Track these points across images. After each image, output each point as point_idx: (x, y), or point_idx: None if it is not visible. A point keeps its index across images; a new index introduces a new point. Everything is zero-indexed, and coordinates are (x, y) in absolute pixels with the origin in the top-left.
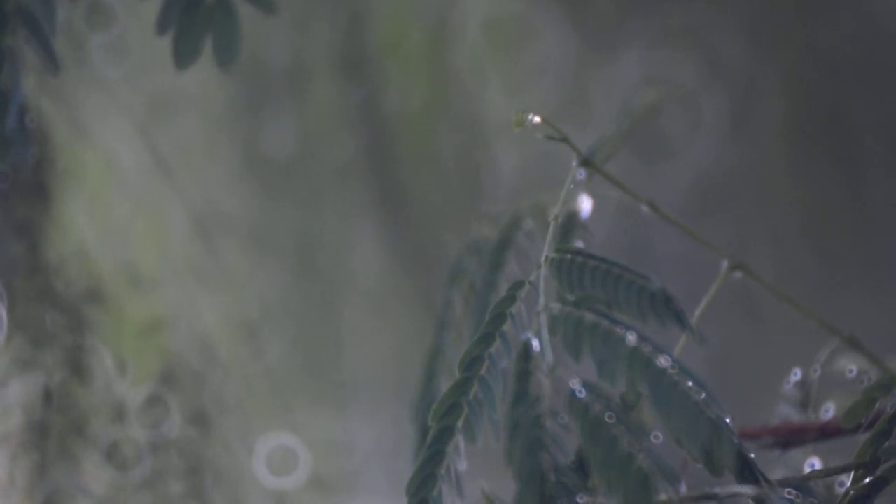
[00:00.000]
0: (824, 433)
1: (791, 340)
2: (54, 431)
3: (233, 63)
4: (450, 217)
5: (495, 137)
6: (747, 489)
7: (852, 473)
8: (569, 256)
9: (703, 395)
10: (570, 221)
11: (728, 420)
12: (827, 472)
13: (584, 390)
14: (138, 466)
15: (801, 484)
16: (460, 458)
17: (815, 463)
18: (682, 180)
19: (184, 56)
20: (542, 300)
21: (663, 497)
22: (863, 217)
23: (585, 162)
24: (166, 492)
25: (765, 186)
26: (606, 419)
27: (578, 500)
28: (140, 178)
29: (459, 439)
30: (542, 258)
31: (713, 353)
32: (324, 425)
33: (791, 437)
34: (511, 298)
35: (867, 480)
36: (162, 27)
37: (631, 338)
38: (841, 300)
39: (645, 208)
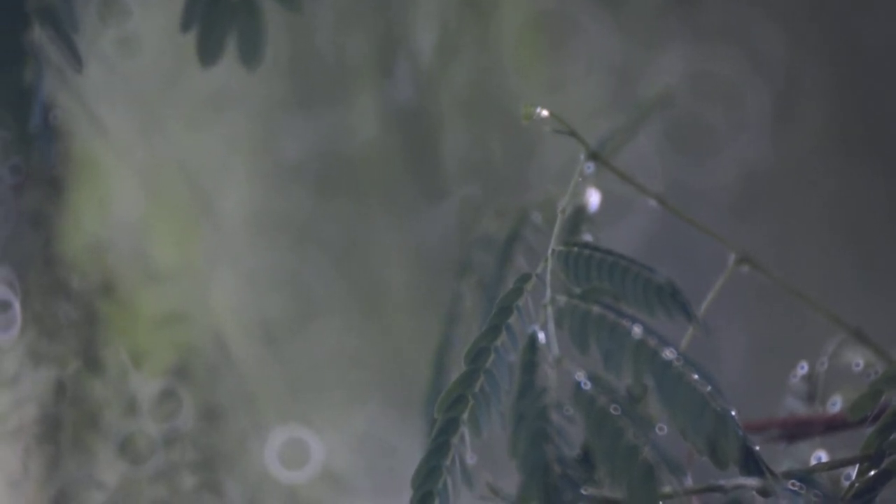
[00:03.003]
0: (830, 426)
1: (800, 333)
2: (68, 424)
3: (258, 63)
4: (494, 214)
5: (538, 135)
6: (752, 481)
7: (857, 466)
8: (575, 249)
9: (709, 388)
10: (578, 215)
11: (733, 412)
12: (832, 465)
13: (589, 382)
14: (152, 459)
15: (806, 476)
16: (468, 450)
17: (821, 456)
18: (723, 177)
19: (208, 54)
20: (548, 293)
21: (667, 489)
22: None
23: (593, 155)
24: (179, 485)
25: (805, 183)
26: (611, 411)
27: (583, 491)
28: (155, 172)
29: (465, 431)
30: (549, 251)
31: (721, 345)
32: (340, 421)
33: (797, 430)
34: (518, 291)
35: (872, 473)
36: (186, 24)
37: (637, 330)
38: (881, 297)
39: (652, 202)
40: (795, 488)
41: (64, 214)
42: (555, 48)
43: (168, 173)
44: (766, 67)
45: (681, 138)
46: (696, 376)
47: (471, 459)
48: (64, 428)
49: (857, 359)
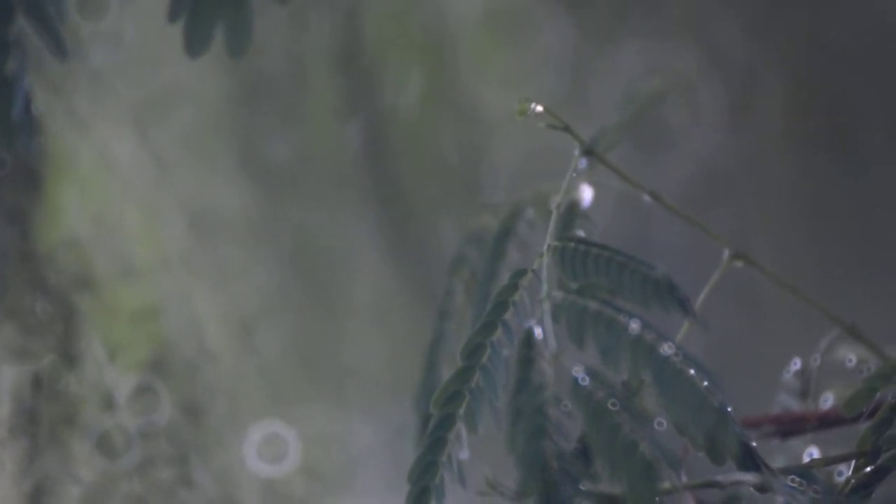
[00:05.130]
0: (824, 422)
1: (791, 329)
2: (44, 419)
3: (245, 52)
4: (449, 211)
5: (495, 131)
6: (750, 477)
7: (853, 462)
8: (572, 244)
9: (707, 383)
10: (572, 210)
11: (729, 408)
12: (829, 461)
13: (587, 378)
14: (128, 454)
15: (805, 472)
16: (462, 446)
17: (813, 452)
18: (682, 171)
19: (195, 44)
20: (544, 288)
21: (666, 484)
22: (863, 207)
23: (588, 151)
24: (156, 479)
25: (765, 177)
26: (609, 406)
27: (581, 487)
28: (132, 167)
29: (461, 427)
30: (545, 246)
31: (713, 341)
32: (316, 416)
33: (791, 426)
34: (513, 287)
35: (868, 469)
36: (174, 15)
37: (634, 325)
38: (841, 289)
39: (647, 198)
40: (795, 484)
41: (40, 209)
42: (511, 44)
43: (144, 168)
44: (726, 62)
45: (639, 134)
46: (693, 371)
47: (463, 455)
48: (40, 423)
49: (850, 355)
